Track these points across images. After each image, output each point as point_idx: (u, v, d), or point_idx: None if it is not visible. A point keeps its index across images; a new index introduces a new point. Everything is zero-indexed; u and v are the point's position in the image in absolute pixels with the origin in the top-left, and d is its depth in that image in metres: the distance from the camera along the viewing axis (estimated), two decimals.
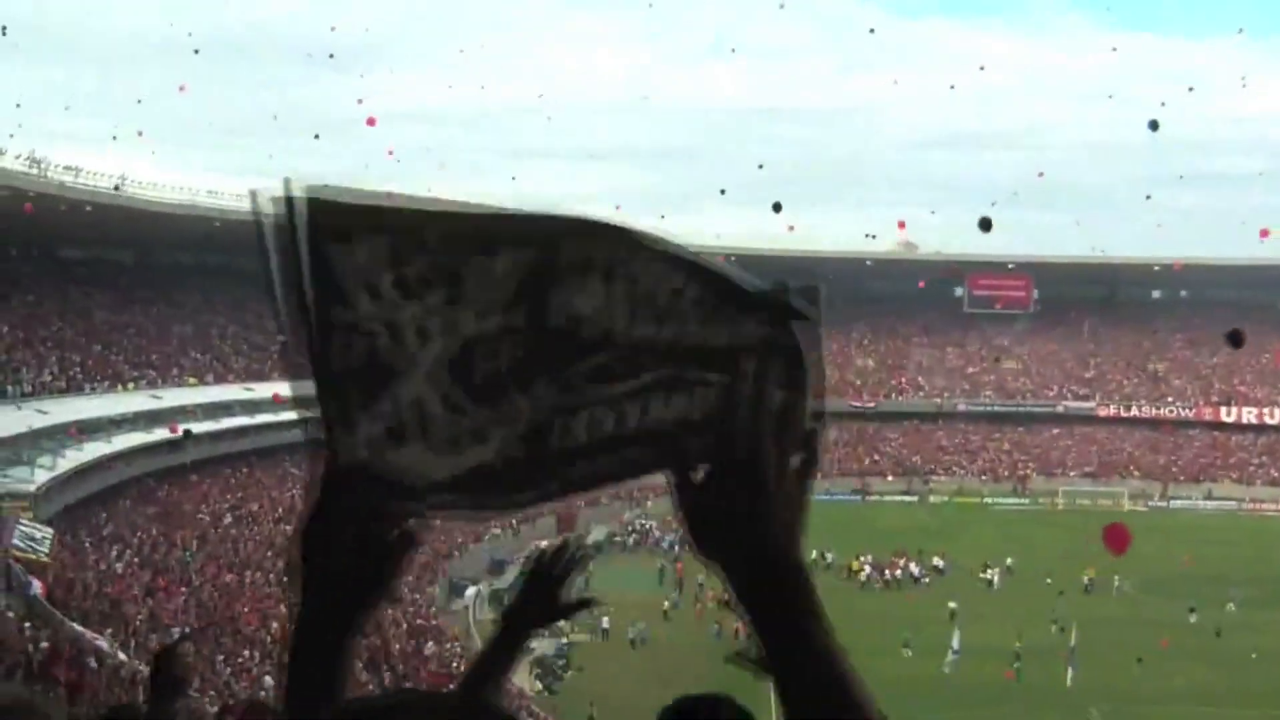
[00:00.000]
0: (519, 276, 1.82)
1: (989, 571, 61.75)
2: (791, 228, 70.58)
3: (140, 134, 71.72)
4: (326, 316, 1.79)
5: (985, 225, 39.61)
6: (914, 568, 63.10)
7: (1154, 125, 38.89)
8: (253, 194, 1.77)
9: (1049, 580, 59.63)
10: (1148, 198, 72.68)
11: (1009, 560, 62.81)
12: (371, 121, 63.30)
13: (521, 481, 1.92)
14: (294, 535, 1.94)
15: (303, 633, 1.92)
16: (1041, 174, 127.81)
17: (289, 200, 1.77)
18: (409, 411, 1.84)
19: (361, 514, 1.90)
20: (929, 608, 53.74)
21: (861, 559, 62.89)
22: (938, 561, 63.41)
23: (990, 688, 43.23)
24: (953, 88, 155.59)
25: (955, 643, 45.66)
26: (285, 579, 1.92)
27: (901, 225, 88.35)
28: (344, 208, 1.78)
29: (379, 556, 1.92)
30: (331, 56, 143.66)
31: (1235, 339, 35.53)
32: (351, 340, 1.81)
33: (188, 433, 54.39)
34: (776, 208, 40.31)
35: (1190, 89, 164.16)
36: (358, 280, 1.79)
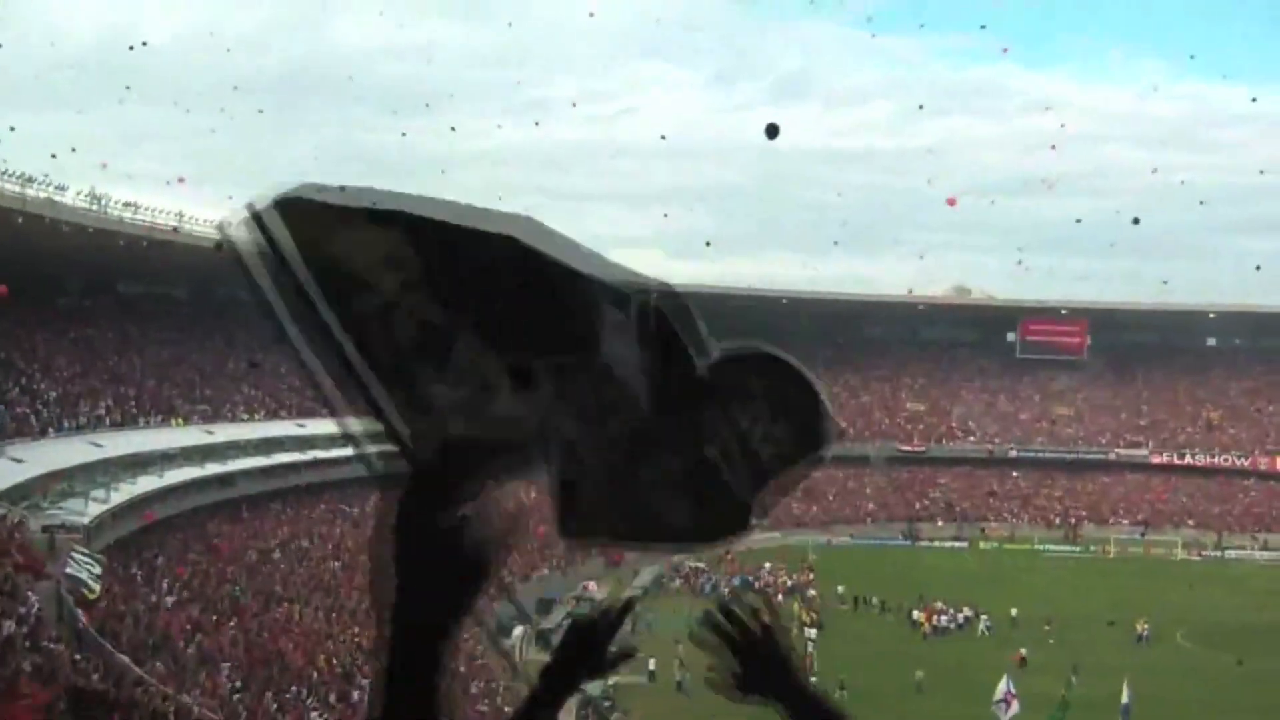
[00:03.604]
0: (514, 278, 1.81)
1: (984, 619, 61.06)
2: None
3: (182, 180, 72.43)
4: (352, 309, 1.76)
5: (771, 132, 36.12)
6: (955, 614, 62.39)
7: (771, 131, 36.13)
8: (221, 226, 1.74)
9: (1047, 627, 58.64)
10: (1258, 268, 72.83)
11: (1014, 610, 61.69)
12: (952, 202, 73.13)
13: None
14: (379, 535, 1.89)
15: (401, 637, 1.87)
16: (1079, 219, 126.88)
17: (258, 218, 1.73)
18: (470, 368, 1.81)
19: (459, 491, 1.86)
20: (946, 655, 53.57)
21: (922, 607, 62.55)
22: (966, 611, 62.58)
23: None
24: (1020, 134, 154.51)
25: (1000, 691, 44.95)
26: (372, 586, 1.76)
27: None
28: (323, 210, 1.76)
29: (479, 539, 1.88)
30: (429, 105, 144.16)
31: (771, 131, 34.84)
32: (392, 319, 1.77)
33: None
34: (771, 131, 36.90)
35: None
36: (371, 265, 1.77)
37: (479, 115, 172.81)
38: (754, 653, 2.36)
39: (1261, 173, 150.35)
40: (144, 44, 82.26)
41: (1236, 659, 51.76)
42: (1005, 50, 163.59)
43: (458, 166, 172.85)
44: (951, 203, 75.25)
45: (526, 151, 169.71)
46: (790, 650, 2.37)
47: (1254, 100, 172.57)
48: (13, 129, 54.56)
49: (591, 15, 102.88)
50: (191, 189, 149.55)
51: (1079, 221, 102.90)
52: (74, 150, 66.74)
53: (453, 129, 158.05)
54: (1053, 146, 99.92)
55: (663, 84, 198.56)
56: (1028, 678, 47.48)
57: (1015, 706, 43.31)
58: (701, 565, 72.90)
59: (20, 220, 51.76)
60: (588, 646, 2.28)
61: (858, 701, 46.18)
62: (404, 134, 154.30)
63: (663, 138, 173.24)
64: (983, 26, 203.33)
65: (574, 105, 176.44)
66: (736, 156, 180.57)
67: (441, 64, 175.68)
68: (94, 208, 59.51)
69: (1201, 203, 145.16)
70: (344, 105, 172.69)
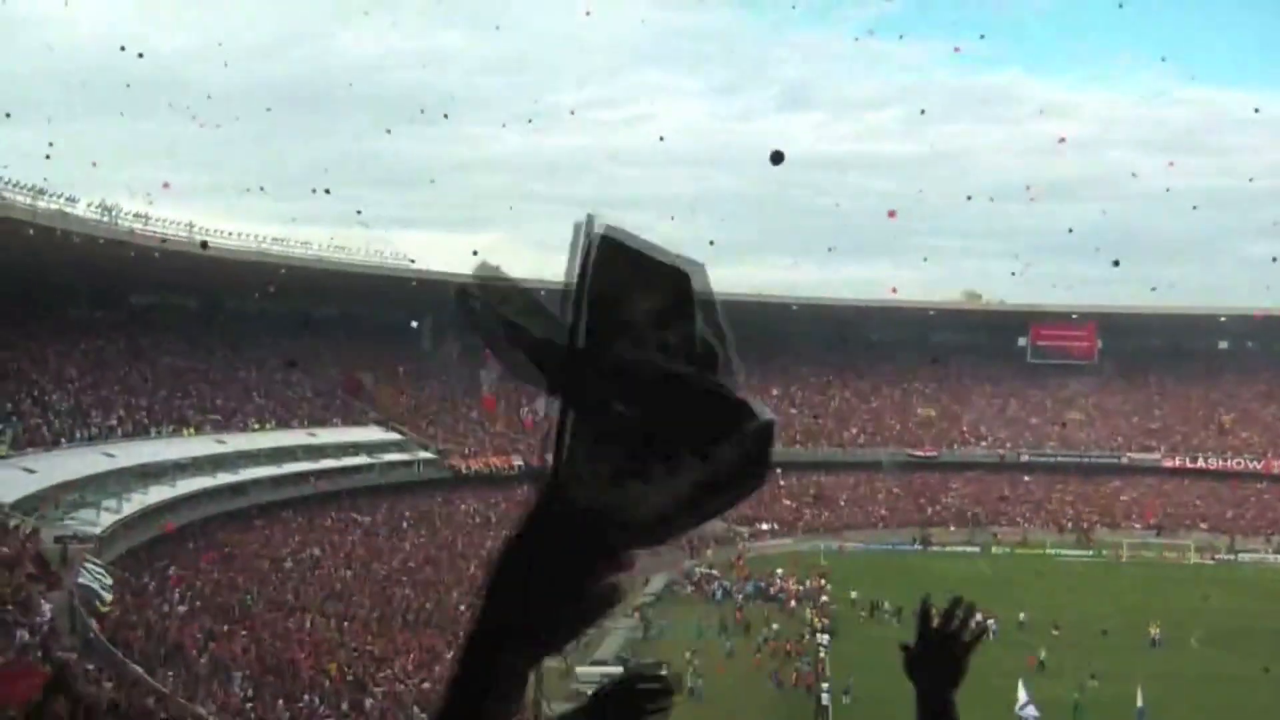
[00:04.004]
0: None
1: (990, 623, 60.94)
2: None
3: (167, 185, 72.83)
4: (600, 353, 1.83)
5: (776, 158, 37.40)
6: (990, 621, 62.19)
7: (776, 158, 37.39)
8: (586, 219, 1.83)
9: (1055, 632, 58.24)
10: (1275, 260, 72.57)
11: (1021, 615, 61.57)
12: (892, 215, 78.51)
13: (688, 519, 1.95)
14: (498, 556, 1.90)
15: (471, 657, 1.87)
16: (1071, 229, 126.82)
17: (588, 236, 1.82)
18: (631, 451, 1.86)
19: (578, 552, 1.87)
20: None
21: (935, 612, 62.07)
22: (979, 616, 62.24)
23: None
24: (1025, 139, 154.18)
25: (1021, 698, 44.82)
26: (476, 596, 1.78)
27: None
28: (634, 255, 1.85)
29: (578, 606, 1.89)
30: (424, 111, 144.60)
31: (776, 158, 35.59)
32: (609, 382, 1.84)
33: None
34: (776, 158, 38.07)
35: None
36: (630, 325, 1.84)
37: (483, 122, 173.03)
38: (934, 645, 2.68)
39: (1251, 179, 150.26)
40: (140, 55, 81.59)
41: (1263, 666, 51.28)
42: (958, 49, 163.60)
43: (461, 172, 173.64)
44: (892, 215, 75.41)
45: (530, 158, 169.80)
46: (960, 664, 2.68)
47: (1256, 110, 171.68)
48: (9, 115, 54.56)
49: (589, 14, 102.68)
50: (205, 198, 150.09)
51: (1070, 231, 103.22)
52: (52, 145, 66.89)
53: (445, 115, 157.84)
54: (1062, 139, 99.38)
55: (668, 92, 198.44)
56: (1039, 681, 47.34)
57: (1033, 710, 43.26)
58: (714, 571, 72.88)
59: (31, 232, 51.94)
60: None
61: (860, 705, 46.22)
62: (388, 130, 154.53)
63: (661, 139, 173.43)
64: (982, 36, 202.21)
65: (571, 112, 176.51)
66: (742, 163, 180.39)
67: (446, 71, 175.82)
68: (104, 219, 59.68)
69: (1195, 207, 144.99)
70: (348, 113, 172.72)
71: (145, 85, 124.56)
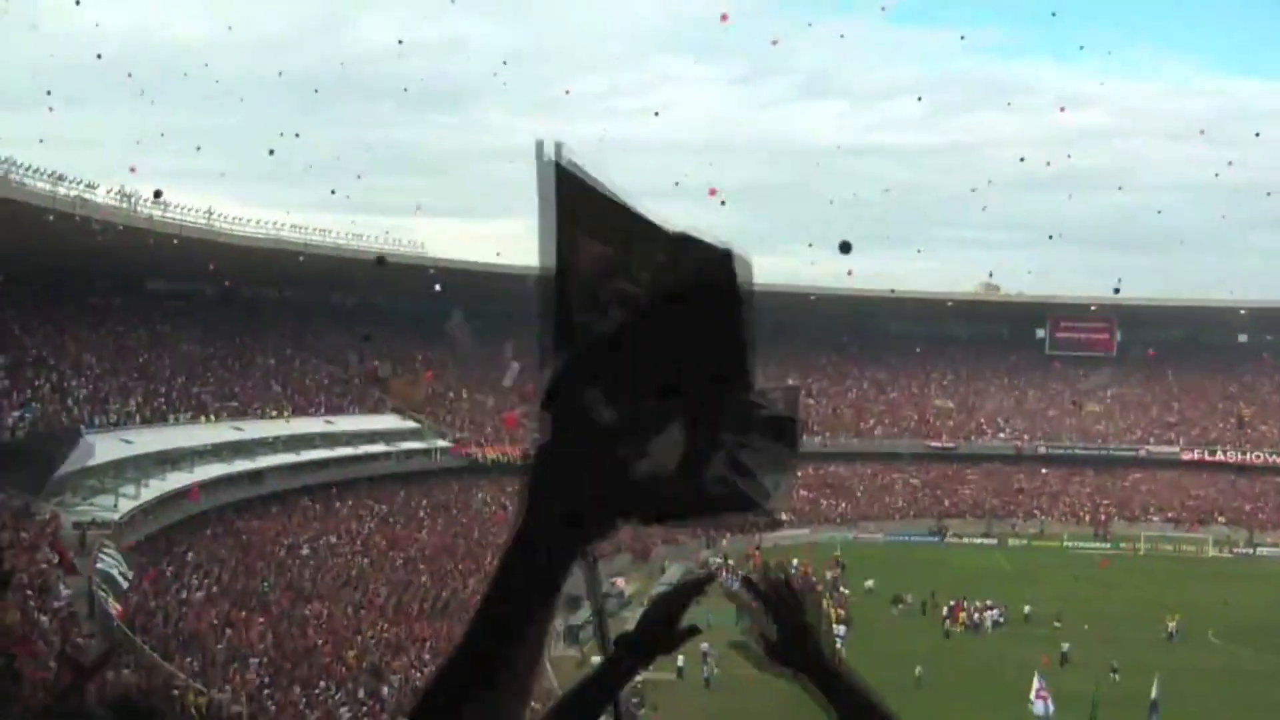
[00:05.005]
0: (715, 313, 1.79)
1: (991, 613, 61.01)
2: (850, 272, 67.92)
3: (134, 169, 72.67)
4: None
5: (845, 248, 38.44)
6: (983, 611, 62.08)
7: (845, 248, 38.61)
8: (539, 144, 1.79)
9: (1057, 624, 58.20)
10: None
11: (1026, 607, 61.43)
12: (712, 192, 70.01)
13: (666, 501, 1.87)
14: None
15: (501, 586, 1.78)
16: (1051, 236, 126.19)
17: (559, 167, 1.78)
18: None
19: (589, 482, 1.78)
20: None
21: (949, 603, 62.10)
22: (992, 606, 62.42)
23: None
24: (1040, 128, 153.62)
25: (1036, 685, 44.64)
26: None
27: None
28: (596, 198, 1.81)
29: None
30: (406, 90, 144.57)
31: (845, 248, 36.55)
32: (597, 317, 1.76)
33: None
34: (845, 248, 39.05)
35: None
36: (594, 274, 1.77)
37: (499, 110, 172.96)
38: (787, 619, 2.36)
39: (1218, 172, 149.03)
40: (98, 56, 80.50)
41: None
42: (884, 9, 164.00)
43: (476, 161, 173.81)
44: (712, 193, 73.81)
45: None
46: (821, 624, 2.36)
47: (1256, 135, 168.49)
48: (51, 108, 54.81)
49: None
50: (228, 185, 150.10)
51: (1051, 238, 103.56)
52: (89, 120, 67.12)
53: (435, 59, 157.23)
54: (1062, 109, 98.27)
55: (687, 80, 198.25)
56: (1061, 675, 47.23)
57: (1049, 705, 43.11)
58: (731, 562, 72.84)
59: (51, 218, 52.02)
60: (666, 620, 2.26)
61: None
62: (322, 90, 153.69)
63: (656, 114, 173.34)
64: (962, 37, 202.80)
65: (566, 92, 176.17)
66: (759, 152, 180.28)
67: (462, 59, 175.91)
68: (124, 205, 59.74)
69: (1158, 212, 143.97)
70: (363, 101, 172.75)
71: (159, 71, 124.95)
